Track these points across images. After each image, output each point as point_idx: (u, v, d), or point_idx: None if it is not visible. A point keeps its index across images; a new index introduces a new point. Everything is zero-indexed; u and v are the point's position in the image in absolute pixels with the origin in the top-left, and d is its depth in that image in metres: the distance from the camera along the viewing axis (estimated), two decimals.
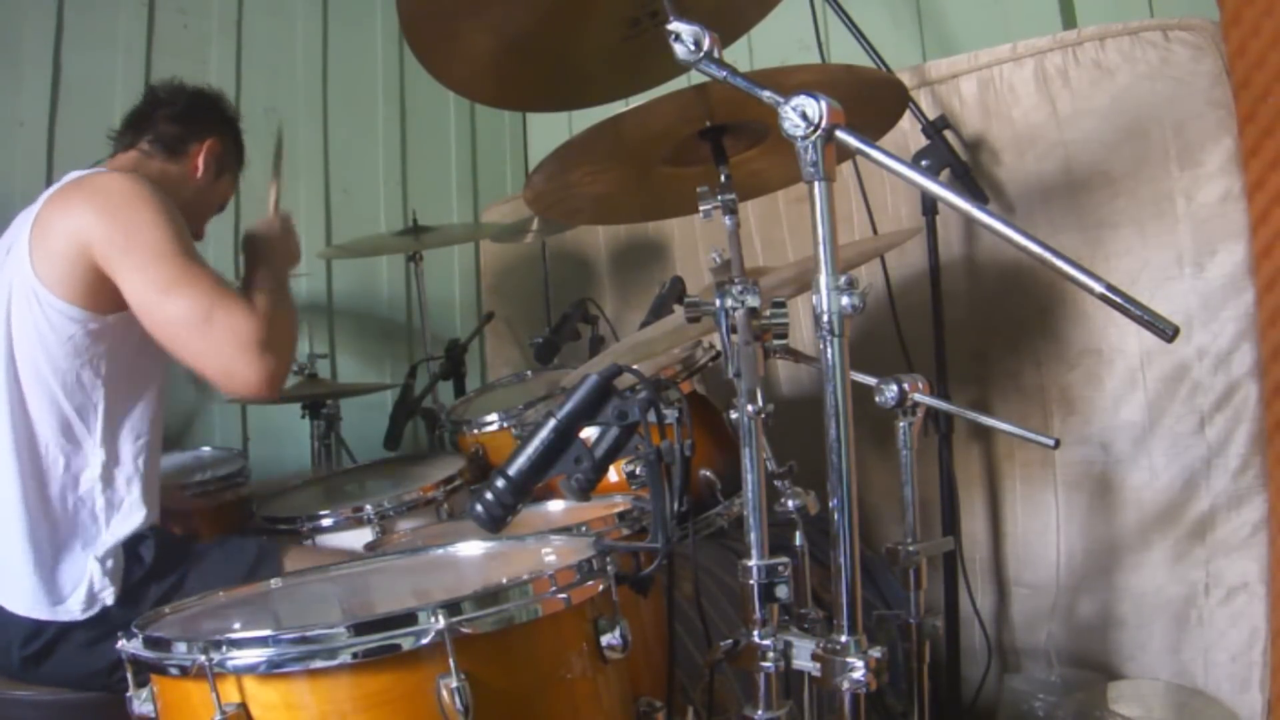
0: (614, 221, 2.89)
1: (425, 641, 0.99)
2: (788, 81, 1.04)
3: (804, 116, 0.98)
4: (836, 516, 1.03)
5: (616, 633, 1.13)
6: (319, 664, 0.99)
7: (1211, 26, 1.87)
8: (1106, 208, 2.02)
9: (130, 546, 1.63)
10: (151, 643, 1.06)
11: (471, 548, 1.42)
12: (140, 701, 1.07)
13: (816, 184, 1.00)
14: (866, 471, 2.16)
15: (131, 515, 1.64)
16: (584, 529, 1.54)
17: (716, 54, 1.10)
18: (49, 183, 1.71)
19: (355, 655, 0.99)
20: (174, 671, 1.02)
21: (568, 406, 1.15)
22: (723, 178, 1.39)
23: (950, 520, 2.10)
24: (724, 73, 1.09)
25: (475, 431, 2.28)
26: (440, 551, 1.45)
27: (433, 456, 2.45)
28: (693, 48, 1.10)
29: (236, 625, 1.20)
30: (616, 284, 3.14)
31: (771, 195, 1.85)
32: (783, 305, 1.23)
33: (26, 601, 1.57)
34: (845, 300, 1.00)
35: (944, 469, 2.09)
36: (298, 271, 2.30)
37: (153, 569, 1.64)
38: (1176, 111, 1.92)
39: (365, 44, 3.30)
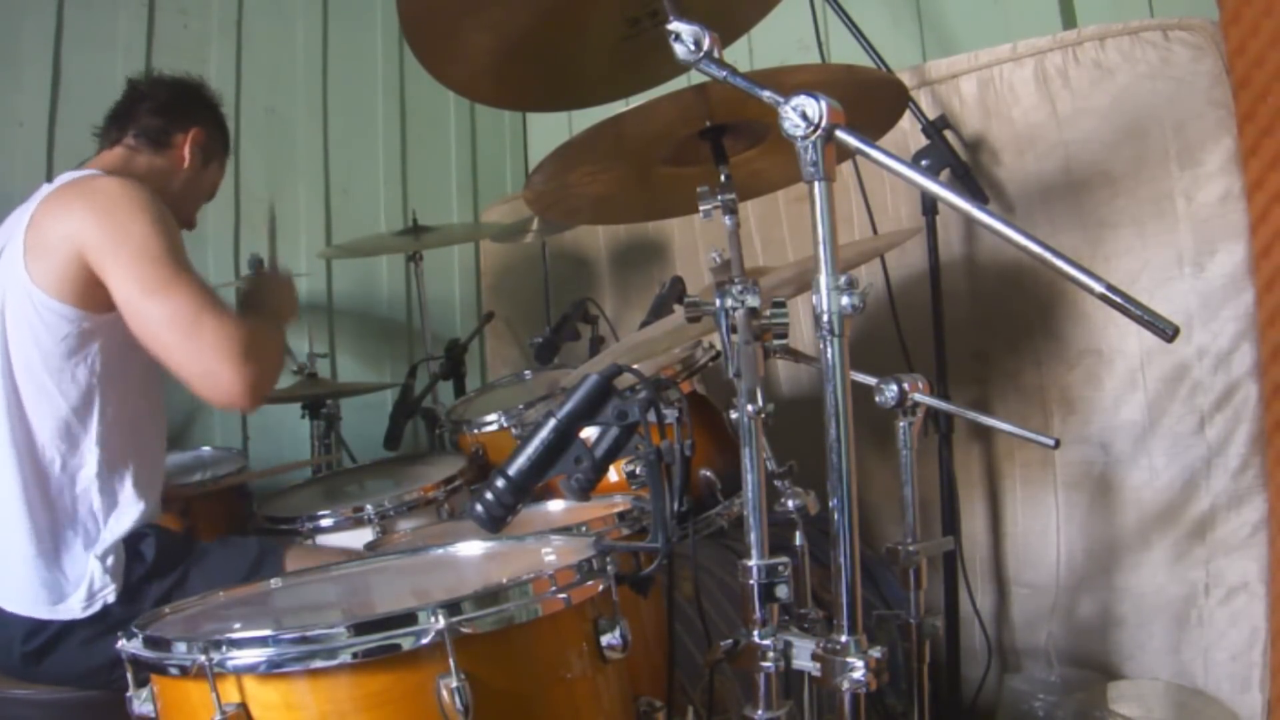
0: (614, 221, 2.89)
1: (425, 641, 0.99)
2: (788, 81, 1.04)
3: (804, 116, 0.98)
4: (836, 516, 1.03)
5: (616, 633, 1.13)
6: (319, 664, 0.99)
7: (1211, 26, 1.87)
8: (1106, 208, 2.02)
9: (131, 544, 1.63)
10: (151, 642, 1.06)
11: (471, 548, 1.42)
12: (140, 701, 1.08)
13: (816, 184, 1.00)
14: (866, 471, 2.15)
15: (129, 513, 1.64)
16: (584, 529, 1.54)
17: (716, 54, 1.10)
18: (49, 183, 1.71)
19: (355, 655, 0.99)
20: (174, 671, 1.02)
21: (568, 406, 1.15)
22: (723, 178, 1.39)
23: (950, 520, 2.10)
24: (724, 73, 1.09)
25: (475, 431, 2.28)
26: (440, 551, 1.45)
27: (433, 456, 2.45)
28: (693, 48, 1.10)
29: (236, 625, 1.20)
30: (616, 284, 3.14)
31: (771, 195, 1.85)
32: (783, 305, 1.23)
33: (27, 601, 1.57)
34: (845, 300, 1.00)
35: (944, 469, 2.09)
36: (298, 273, 2.31)
37: (154, 567, 1.64)
38: (1176, 111, 1.92)
39: (365, 44, 3.29)
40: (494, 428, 2.25)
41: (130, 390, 1.68)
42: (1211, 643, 1.92)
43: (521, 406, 2.23)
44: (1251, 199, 1.82)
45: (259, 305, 1.87)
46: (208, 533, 2.21)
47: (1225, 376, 1.89)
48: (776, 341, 1.25)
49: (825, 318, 1.01)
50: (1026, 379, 2.17)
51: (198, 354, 1.54)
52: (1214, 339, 1.90)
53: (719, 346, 1.87)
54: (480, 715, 0.99)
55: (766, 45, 2.26)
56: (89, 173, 1.69)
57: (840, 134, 0.99)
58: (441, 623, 0.98)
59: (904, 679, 1.47)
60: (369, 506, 2.01)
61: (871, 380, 1.41)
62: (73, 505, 1.61)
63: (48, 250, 1.58)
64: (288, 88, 3.11)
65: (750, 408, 1.16)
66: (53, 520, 1.59)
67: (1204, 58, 1.88)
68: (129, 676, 1.08)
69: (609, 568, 1.16)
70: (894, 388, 1.40)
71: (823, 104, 0.98)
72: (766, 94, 1.03)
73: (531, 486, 1.16)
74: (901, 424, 1.42)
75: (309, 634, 0.99)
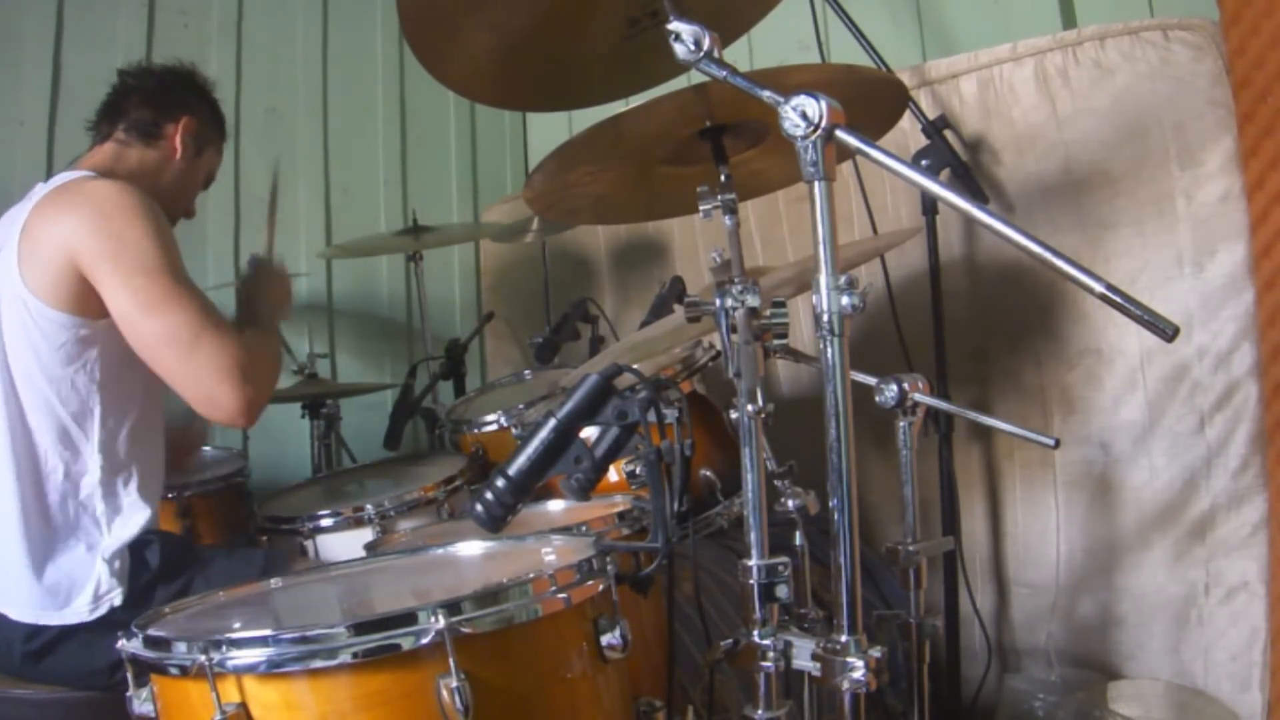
0: (614, 221, 2.89)
1: (425, 641, 0.99)
2: (788, 81, 1.04)
3: (804, 116, 0.98)
4: (836, 516, 1.03)
5: (616, 632, 1.13)
6: (319, 664, 0.99)
7: (1211, 26, 1.87)
8: (1106, 208, 2.02)
9: (136, 550, 1.63)
10: (151, 642, 1.06)
11: (471, 548, 1.42)
12: (140, 701, 1.07)
13: (816, 184, 1.00)
14: (866, 471, 2.16)
15: (133, 517, 1.63)
16: (584, 529, 1.54)
17: (716, 54, 1.11)
18: (44, 183, 1.70)
19: (355, 655, 0.99)
20: (174, 671, 1.02)
21: (568, 406, 1.15)
22: (723, 178, 1.39)
23: (950, 520, 2.10)
24: (724, 72, 1.09)
25: (475, 431, 2.28)
26: (440, 551, 1.45)
27: (433, 456, 2.45)
28: (693, 47, 1.10)
29: (236, 625, 1.20)
30: (616, 284, 3.14)
31: (771, 195, 1.85)
32: (783, 305, 1.23)
33: (30, 609, 1.56)
34: (845, 300, 1.00)
35: (944, 469, 2.09)
36: (297, 272, 2.30)
37: (159, 572, 1.63)
38: (1176, 111, 1.92)
39: (365, 44, 3.29)
40: (494, 428, 2.25)
41: (131, 396, 1.66)
42: (1211, 643, 1.92)
43: (521, 406, 2.23)
44: (1252, 199, 1.82)
45: (257, 304, 1.85)
46: (208, 533, 2.21)
47: (1225, 376, 1.89)
48: (776, 341, 1.25)
49: (825, 318, 1.01)
50: (1026, 379, 2.17)
51: (196, 375, 1.53)
52: (1214, 339, 1.90)
53: (719, 346, 1.87)
54: (480, 715, 0.99)
55: (766, 45, 2.26)
56: (81, 174, 1.67)
57: (840, 134, 0.99)
58: (441, 623, 0.98)
59: (904, 679, 1.47)
60: (369, 506, 2.01)
61: (871, 380, 1.41)
62: (76, 512, 1.60)
63: (41, 257, 1.56)
64: (288, 88, 3.11)
65: (750, 408, 1.16)
66: (52, 528, 1.59)
67: (1204, 58, 1.88)
68: (129, 676, 1.08)
69: (609, 568, 1.16)
70: (894, 388, 1.40)
71: (823, 104, 0.98)
72: (766, 94, 1.03)
73: (531, 486, 1.16)
74: (901, 424, 1.42)
75: (309, 634, 0.99)
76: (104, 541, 1.60)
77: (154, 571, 1.63)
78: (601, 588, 1.14)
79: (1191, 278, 1.92)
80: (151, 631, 1.09)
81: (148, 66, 1.89)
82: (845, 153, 1.03)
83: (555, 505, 1.85)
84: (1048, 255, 0.92)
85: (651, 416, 1.13)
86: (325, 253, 3.08)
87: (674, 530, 1.16)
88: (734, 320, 1.19)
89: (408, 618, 1.00)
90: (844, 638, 1.05)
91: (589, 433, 1.15)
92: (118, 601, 1.58)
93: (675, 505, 1.16)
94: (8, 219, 1.66)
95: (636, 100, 1.35)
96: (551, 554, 1.33)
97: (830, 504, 1.04)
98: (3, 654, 1.58)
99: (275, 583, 1.39)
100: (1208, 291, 1.90)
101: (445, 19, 1.36)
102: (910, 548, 1.43)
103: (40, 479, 1.59)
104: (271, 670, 0.99)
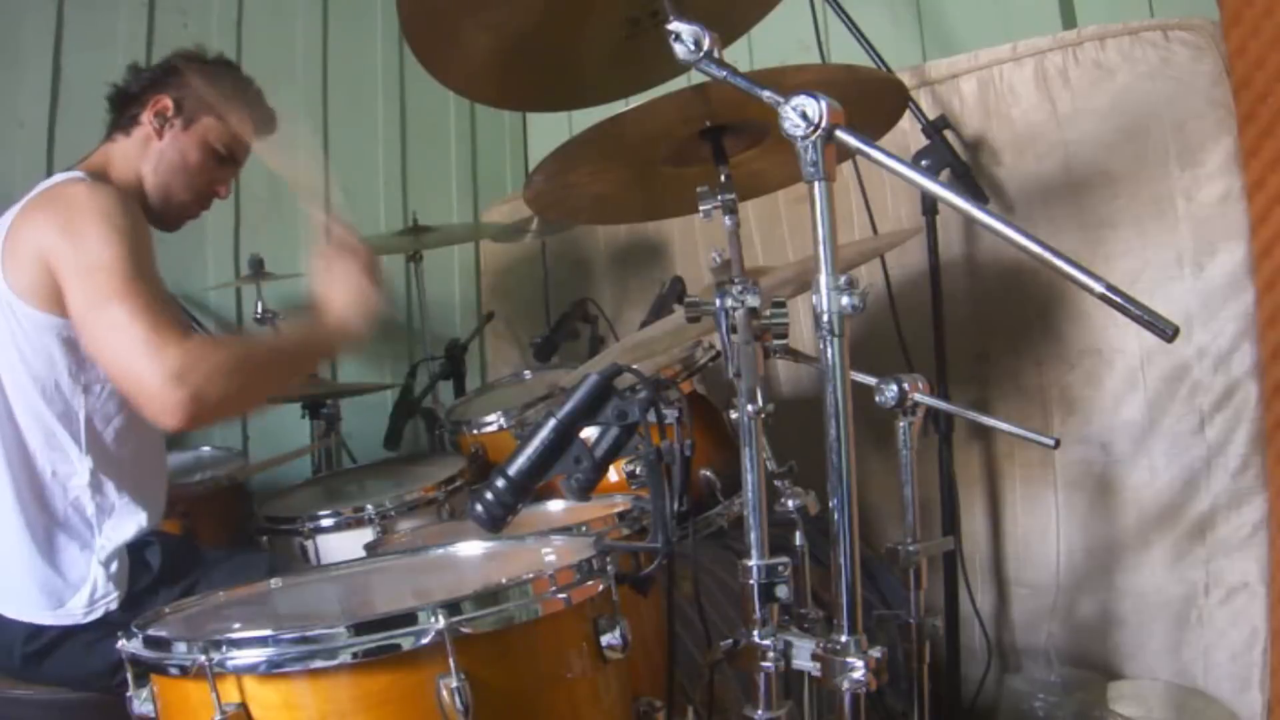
0: (614, 221, 2.88)
1: (425, 641, 0.99)
2: (788, 81, 1.04)
3: (804, 116, 0.98)
4: (836, 516, 1.03)
5: (616, 633, 1.13)
6: (319, 664, 0.99)
7: (1211, 26, 1.87)
8: (1106, 208, 2.02)
9: (135, 552, 1.62)
10: (151, 642, 1.06)
11: (471, 548, 1.42)
12: (140, 701, 1.07)
13: (816, 184, 1.00)
14: (866, 471, 2.14)
15: (126, 520, 1.62)
16: (584, 529, 1.55)
17: (716, 54, 1.10)
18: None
19: (355, 655, 0.99)
20: (174, 671, 1.02)
21: (568, 406, 1.15)
22: (723, 178, 1.39)
23: (950, 520, 2.10)
24: (724, 72, 1.09)
25: (475, 431, 2.28)
26: (440, 551, 1.45)
27: (433, 456, 2.45)
28: (693, 47, 1.10)
29: (236, 625, 1.20)
30: (616, 284, 3.14)
31: (771, 195, 1.85)
32: (783, 305, 1.23)
33: (27, 606, 1.56)
34: (845, 300, 1.00)
35: (944, 469, 2.09)
36: (297, 273, 2.22)
37: (161, 575, 1.63)
38: (1176, 111, 1.92)
39: (365, 44, 3.29)
40: (494, 428, 2.25)
41: (115, 397, 1.64)
42: (1211, 643, 1.92)
43: (521, 406, 2.23)
44: (1252, 199, 1.82)
45: (329, 298, 1.63)
46: (208, 534, 2.21)
47: (1225, 376, 1.89)
48: (776, 341, 1.25)
49: (825, 318, 1.01)
50: (1026, 379, 2.17)
51: (127, 369, 1.46)
52: (1214, 339, 1.90)
53: (719, 346, 1.87)
54: (480, 715, 0.99)
55: (766, 45, 2.25)
56: (68, 177, 1.66)
57: (840, 134, 0.99)
58: (441, 623, 0.98)
59: (904, 679, 1.47)
60: (369, 506, 2.01)
61: (871, 380, 1.41)
62: (66, 512, 1.60)
63: (20, 260, 1.56)
64: (288, 88, 3.11)
65: (750, 408, 1.16)
66: (47, 526, 1.58)
67: (1204, 58, 1.88)
68: (129, 677, 1.08)
69: (609, 568, 1.16)
70: (894, 388, 1.40)
71: (823, 104, 0.98)
72: (766, 94, 1.03)
73: (531, 486, 1.16)
74: (901, 424, 1.42)
75: (309, 634, 0.99)
76: (97, 542, 1.60)
77: (155, 574, 1.62)
78: (601, 588, 1.14)
79: (1191, 278, 1.92)
80: (151, 631, 1.09)
81: (136, 68, 1.85)
82: (845, 153, 1.03)
83: (555, 505, 1.85)
84: (1048, 255, 0.92)
85: (651, 416, 1.13)
86: None
87: (674, 530, 1.16)
88: (734, 320, 1.19)
89: (408, 618, 1.00)
90: (844, 638, 1.05)
91: (589, 433, 1.15)
92: (114, 605, 1.57)
93: (675, 505, 1.16)
94: (2, 221, 1.67)
95: (636, 100, 1.35)
96: (551, 554, 1.33)
97: (830, 504, 1.04)
98: (3, 654, 1.58)
99: (275, 583, 1.39)
100: (1208, 291, 1.90)
101: (445, 19, 1.36)
102: (910, 548, 1.43)
103: (32, 478, 1.59)
104: (271, 670, 0.99)
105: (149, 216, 1.82)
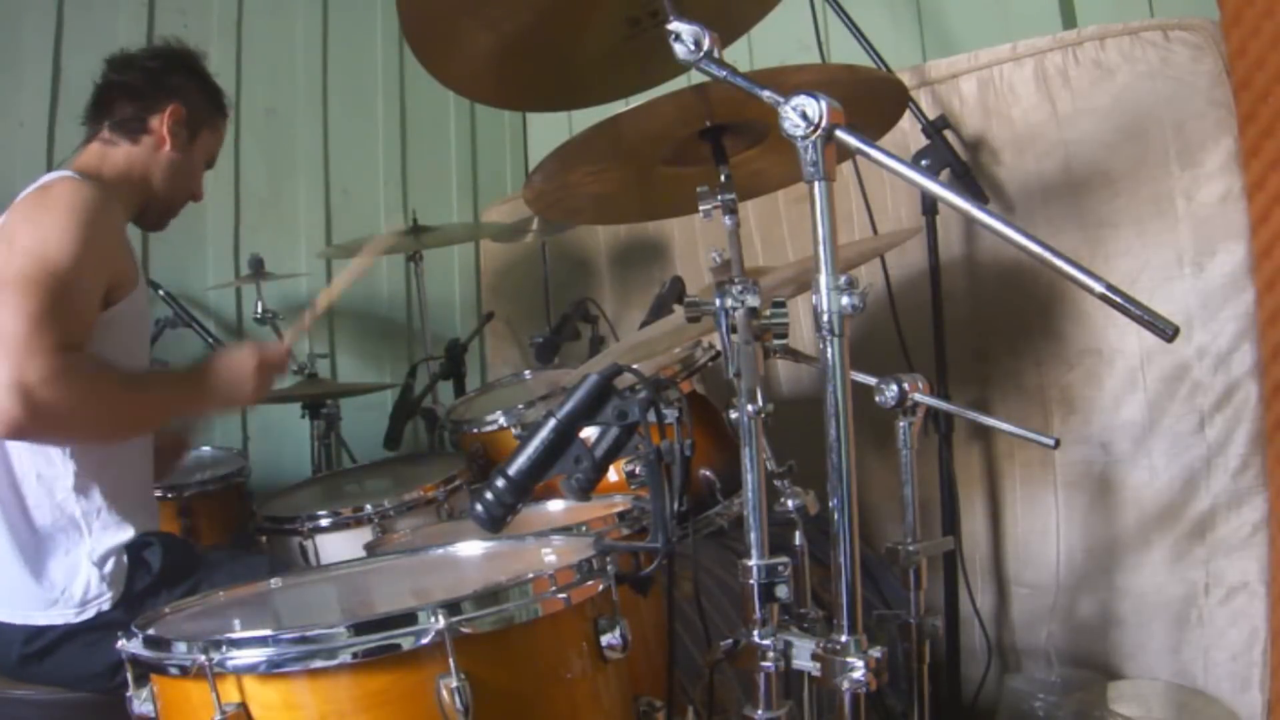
0: (614, 221, 2.89)
1: (425, 641, 0.99)
2: (788, 81, 1.04)
3: (804, 116, 0.98)
4: (836, 516, 1.03)
5: (616, 632, 1.13)
6: (319, 664, 0.99)
7: (1211, 26, 1.87)
8: (1106, 208, 2.02)
9: (134, 552, 1.62)
10: (151, 642, 1.06)
11: (471, 548, 1.42)
12: (140, 701, 1.08)
13: (816, 184, 1.00)
14: (866, 471, 2.16)
15: (117, 521, 1.61)
16: (584, 529, 1.55)
17: (716, 54, 1.10)
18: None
19: (355, 655, 0.99)
20: (174, 671, 1.02)
21: (568, 406, 1.15)
22: (723, 178, 1.39)
23: (950, 520, 2.10)
24: (724, 72, 1.09)
25: (475, 431, 2.28)
26: (440, 551, 1.45)
27: (433, 456, 2.45)
28: (693, 47, 1.10)
29: (236, 625, 1.20)
30: (616, 284, 3.14)
31: (771, 195, 1.86)
32: (783, 305, 1.23)
33: (22, 609, 1.56)
34: (845, 300, 1.00)
35: (944, 469, 2.09)
36: (297, 273, 2.25)
37: (161, 576, 1.62)
38: (1176, 111, 1.92)
39: (365, 44, 3.29)
40: (494, 427, 2.25)
41: None
42: (1211, 643, 1.92)
43: (521, 406, 2.22)
44: (1252, 199, 1.82)
45: (217, 372, 1.66)
46: (207, 533, 2.21)
47: (1225, 376, 1.89)
48: (776, 341, 1.25)
49: (825, 318, 1.01)
50: (1026, 379, 2.17)
51: None
52: (1214, 339, 1.90)
53: (719, 346, 1.87)
54: (480, 715, 0.99)
55: (766, 45, 2.26)
56: (61, 175, 1.64)
57: (840, 134, 0.99)
58: (441, 623, 0.98)
59: (904, 679, 1.47)
60: (369, 506, 2.01)
61: (871, 380, 1.41)
62: (52, 515, 1.58)
63: (3, 255, 1.53)
64: (288, 88, 3.11)
65: (750, 408, 1.16)
66: (35, 529, 1.58)
67: (1204, 58, 1.88)
68: (129, 677, 1.08)
69: (609, 568, 1.16)
70: (894, 388, 1.40)
71: (823, 104, 0.98)
72: (766, 94, 1.03)
73: (531, 486, 1.16)
74: (901, 424, 1.42)
75: (309, 634, 1.00)
76: (86, 544, 1.59)
77: (155, 575, 1.62)
78: (601, 588, 1.14)
79: (1191, 278, 1.92)
80: (151, 631, 1.10)
81: (131, 55, 1.81)
82: (845, 153, 1.03)
83: (555, 505, 1.85)
84: (1048, 255, 0.92)
85: (651, 416, 1.13)
86: (325, 253, 3.08)
87: (674, 530, 1.16)
88: (734, 320, 1.19)
89: (408, 618, 1.00)
90: (844, 638, 1.05)
91: (589, 433, 1.15)
92: (106, 606, 1.57)
93: (675, 505, 1.16)
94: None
95: (636, 100, 1.35)
96: (551, 554, 1.33)
97: (830, 504, 1.04)
98: (2, 655, 1.58)
99: (275, 583, 1.39)
100: (1208, 291, 1.90)
101: (445, 19, 1.36)
102: (910, 548, 1.43)
103: (16, 482, 1.58)
104: (271, 670, 0.99)
105: (144, 219, 1.82)
